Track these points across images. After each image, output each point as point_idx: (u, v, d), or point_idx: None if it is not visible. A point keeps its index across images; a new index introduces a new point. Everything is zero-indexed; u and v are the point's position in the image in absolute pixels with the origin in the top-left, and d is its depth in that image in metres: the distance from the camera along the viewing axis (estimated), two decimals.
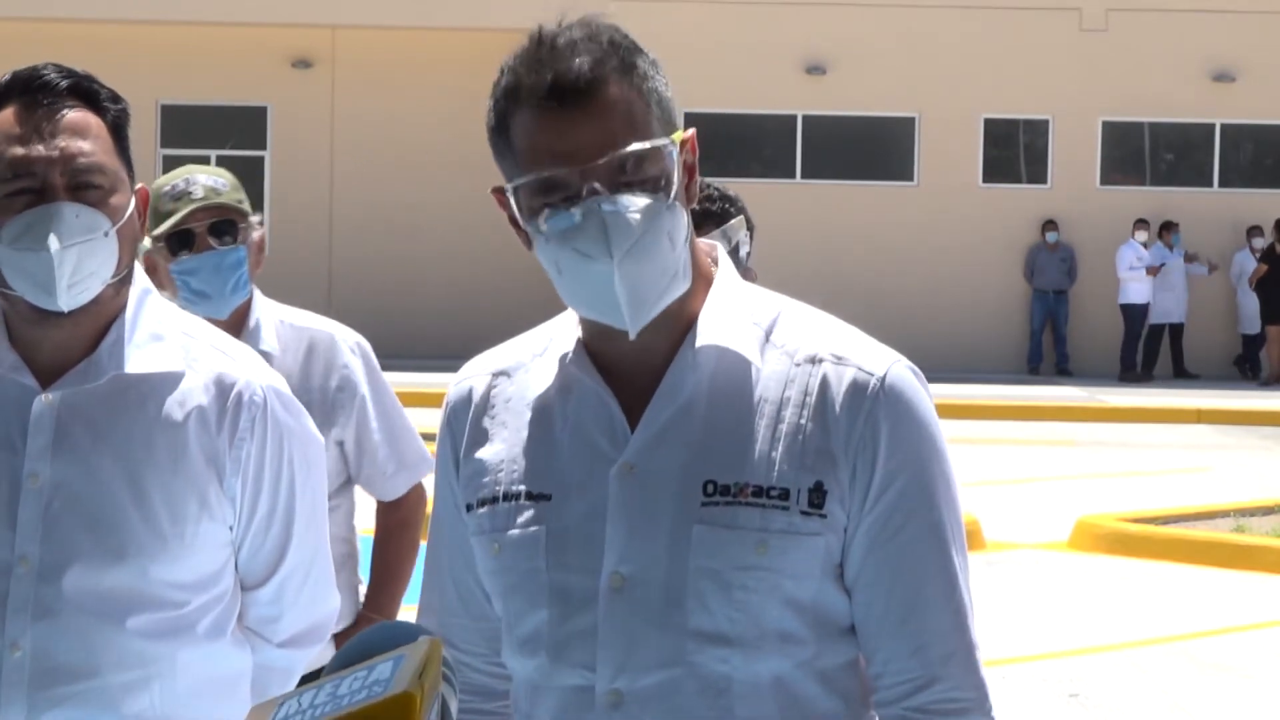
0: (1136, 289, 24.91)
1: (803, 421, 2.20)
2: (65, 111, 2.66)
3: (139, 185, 2.75)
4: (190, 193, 4.17)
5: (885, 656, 2.23)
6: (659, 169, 2.17)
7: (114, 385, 2.72)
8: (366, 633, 1.93)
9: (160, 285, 4.27)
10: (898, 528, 2.20)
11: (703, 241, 2.33)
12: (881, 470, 2.19)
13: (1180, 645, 9.67)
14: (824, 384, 2.22)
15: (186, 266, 4.15)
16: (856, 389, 2.21)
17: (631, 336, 2.21)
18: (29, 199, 2.63)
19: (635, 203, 2.15)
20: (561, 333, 2.31)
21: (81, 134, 2.66)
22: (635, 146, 2.15)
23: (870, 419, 2.20)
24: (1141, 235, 24.85)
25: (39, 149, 2.63)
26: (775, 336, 2.26)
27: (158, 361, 2.74)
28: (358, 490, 4.43)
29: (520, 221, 2.21)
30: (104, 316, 2.72)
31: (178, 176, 4.23)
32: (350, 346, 4.29)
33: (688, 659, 2.18)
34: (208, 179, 4.21)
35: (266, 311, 4.29)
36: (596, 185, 2.14)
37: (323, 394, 4.23)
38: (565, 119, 2.16)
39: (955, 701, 2.24)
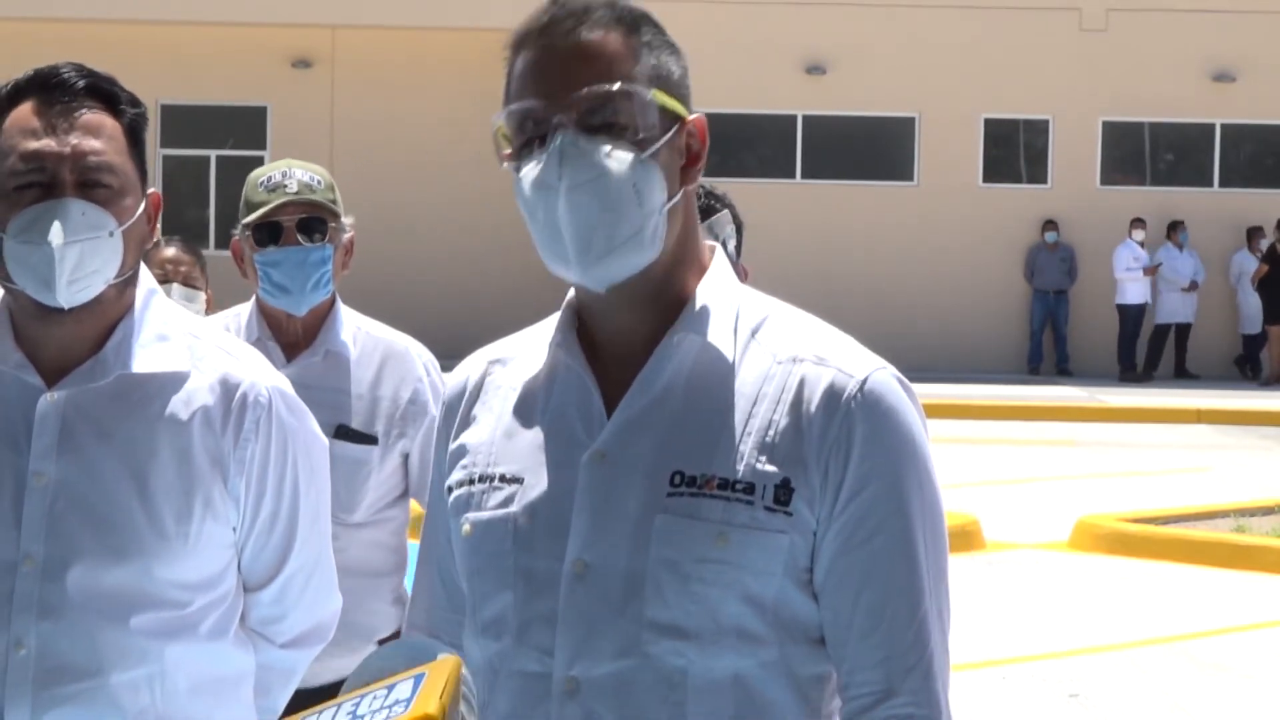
0: (1134, 289, 24.91)
1: (775, 418, 2.19)
2: (82, 110, 2.67)
3: (151, 190, 2.76)
4: (285, 185, 4.20)
5: (850, 667, 2.21)
6: (635, 119, 2.19)
7: (119, 384, 2.72)
8: (386, 650, 1.92)
9: (244, 273, 4.29)
10: (866, 536, 2.18)
11: (706, 244, 2.33)
12: (852, 475, 2.17)
13: (1180, 645, 9.67)
14: (802, 383, 2.20)
15: (270, 258, 4.18)
16: (834, 391, 2.19)
17: (585, 284, 2.21)
18: (38, 193, 2.64)
19: (600, 143, 2.17)
20: (560, 324, 2.32)
21: (95, 133, 2.67)
22: (609, 86, 2.17)
23: (845, 422, 2.18)
24: (1139, 235, 24.84)
25: (51, 144, 2.64)
26: (761, 335, 2.26)
27: (163, 361, 2.74)
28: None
29: (502, 160, 2.25)
30: (108, 316, 2.73)
31: (275, 168, 4.26)
32: (425, 363, 4.31)
33: (643, 649, 2.17)
34: (304, 174, 4.23)
35: (347, 316, 4.32)
36: (563, 119, 2.17)
37: (394, 404, 4.24)
38: (550, 57, 2.20)
39: (910, 718, 2.19)
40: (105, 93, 2.71)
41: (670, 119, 2.23)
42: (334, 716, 1.74)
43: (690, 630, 2.17)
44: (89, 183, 2.65)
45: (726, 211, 4.04)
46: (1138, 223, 24.87)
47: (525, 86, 2.21)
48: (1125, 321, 24.97)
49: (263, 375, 2.80)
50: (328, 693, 4.31)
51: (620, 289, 2.21)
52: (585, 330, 2.29)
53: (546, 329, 2.34)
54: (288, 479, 2.81)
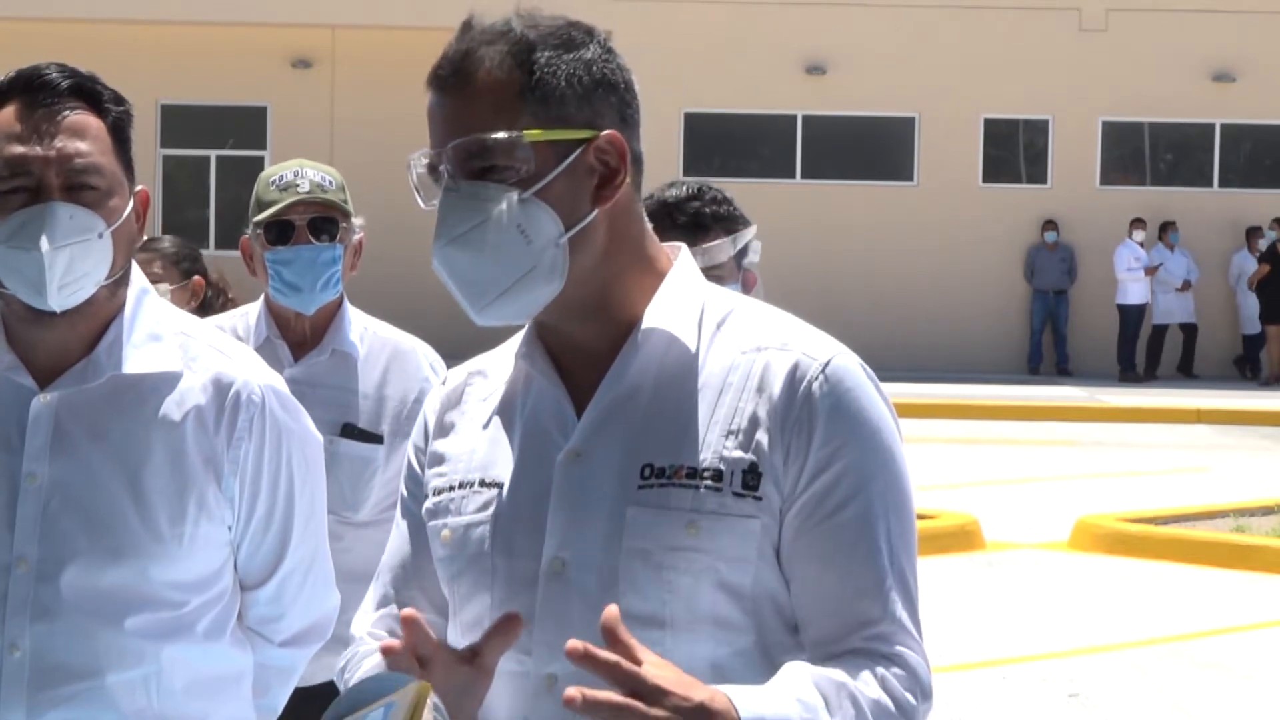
0: (1135, 289, 24.90)
1: (741, 405, 2.21)
2: (65, 112, 2.66)
3: (139, 187, 2.75)
4: (296, 185, 4.21)
5: (813, 639, 2.21)
6: (517, 160, 2.18)
7: (112, 385, 2.71)
8: (358, 684, 1.96)
9: (253, 272, 4.30)
10: (828, 513, 2.18)
11: (668, 245, 2.34)
12: (815, 454, 2.18)
13: (1180, 645, 9.68)
14: (766, 368, 2.22)
15: (281, 257, 4.19)
16: (797, 373, 2.21)
17: (478, 322, 2.24)
18: (25, 198, 2.63)
19: (475, 190, 2.18)
20: (529, 332, 2.34)
21: (80, 135, 2.66)
22: (477, 135, 2.18)
23: (806, 402, 2.19)
24: (1139, 235, 24.84)
25: (36, 148, 2.63)
26: (726, 328, 2.27)
27: (155, 361, 2.74)
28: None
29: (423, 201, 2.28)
30: (100, 317, 2.72)
31: (287, 167, 4.27)
32: (430, 363, 4.32)
33: None
34: (316, 174, 4.25)
35: (354, 316, 4.33)
36: (444, 168, 2.20)
37: (400, 404, 4.25)
38: (436, 103, 2.24)
39: (878, 636, 2.19)
40: (89, 92, 2.70)
41: (567, 146, 2.21)
42: None
43: (666, 619, 2.18)
44: (75, 185, 2.64)
45: (754, 227, 4.01)
46: (1138, 222, 24.87)
47: (430, 133, 2.24)
48: (1126, 322, 24.97)
49: (256, 373, 2.80)
50: (328, 692, 4.32)
51: (552, 309, 2.23)
52: (546, 337, 2.31)
53: (518, 339, 2.36)
54: (282, 477, 2.81)
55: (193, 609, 2.74)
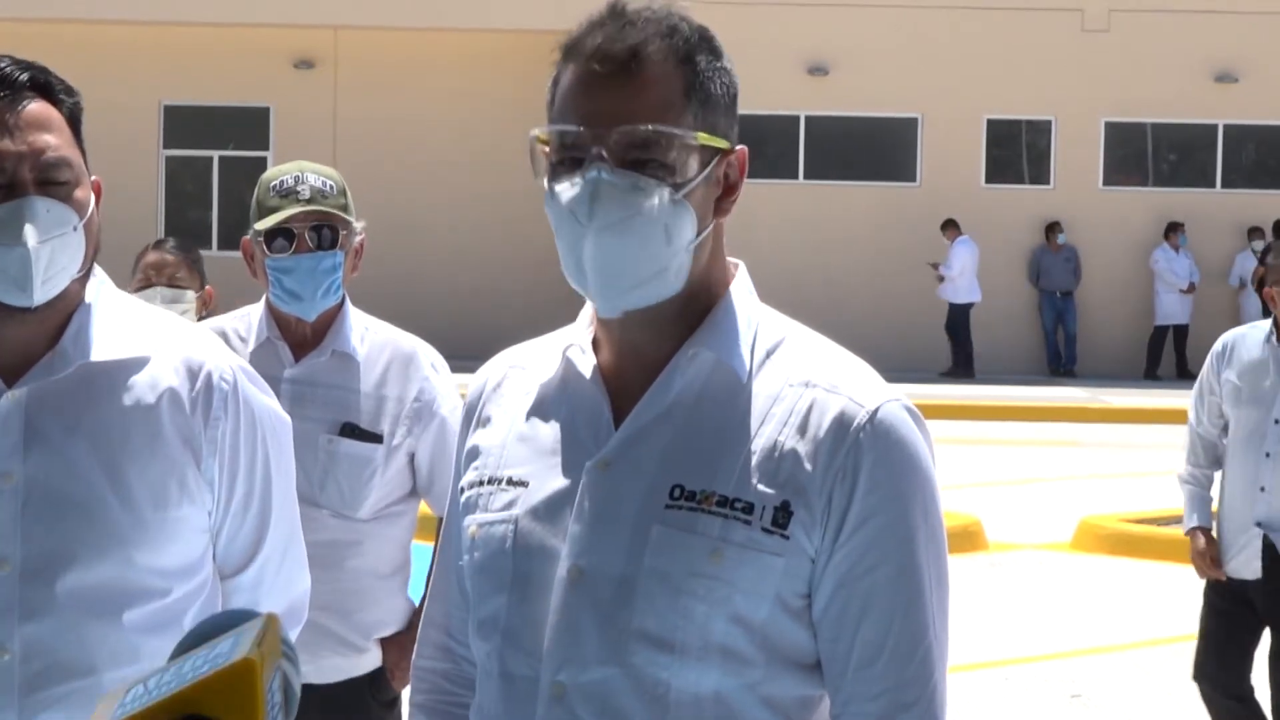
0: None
1: (781, 440, 2.19)
2: (26, 103, 2.62)
3: (93, 177, 2.71)
4: (297, 192, 4.19)
5: (846, 698, 2.20)
6: (675, 159, 2.17)
7: (81, 375, 2.67)
8: (206, 621, 1.98)
9: (253, 273, 4.29)
10: (870, 567, 2.17)
11: (729, 260, 2.33)
12: (858, 506, 2.16)
13: (1182, 646, 9.66)
14: (811, 408, 2.20)
15: (282, 265, 4.19)
16: (843, 419, 2.18)
17: (602, 314, 2.23)
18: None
19: (636, 181, 2.15)
20: (578, 331, 2.33)
21: (46, 128, 2.62)
22: (653, 127, 2.15)
23: (852, 452, 2.17)
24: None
25: (7, 143, 2.59)
26: (776, 357, 2.25)
27: (123, 348, 2.70)
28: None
29: (538, 174, 2.24)
30: (65, 311, 2.68)
31: (287, 172, 4.24)
32: (431, 362, 4.32)
33: (628, 659, 2.18)
34: (316, 179, 4.22)
35: (355, 317, 4.33)
36: (603, 152, 2.15)
37: (399, 404, 4.25)
38: (599, 83, 2.17)
39: None
40: (44, 84, 2.65)
41: (711, 153, 2.22)
42: (160, 679, 1.82)
43: (676, 644, 2.17)
44: (48, 180, 2.60)
45: None
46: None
47: (568, 107, 2.19)
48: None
49: (223, 356, 2.77)
50: (335, 691, 4.32)
51: (636, 313, 2.21)
52: (603, 339, 2.30)
53: (564, 334, 2.35)
54: (259, 458, 2.78)
55: (178, 599, 2.70)
